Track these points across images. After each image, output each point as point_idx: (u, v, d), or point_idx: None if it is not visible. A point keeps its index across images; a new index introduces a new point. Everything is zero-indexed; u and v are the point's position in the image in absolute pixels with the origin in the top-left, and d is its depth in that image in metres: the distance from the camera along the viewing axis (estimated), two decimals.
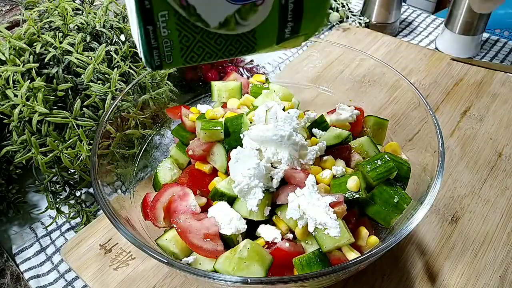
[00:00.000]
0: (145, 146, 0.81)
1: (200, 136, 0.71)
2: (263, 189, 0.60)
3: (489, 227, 0.79)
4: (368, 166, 0.65)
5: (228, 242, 0.62)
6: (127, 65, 0.85)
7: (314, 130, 0.73)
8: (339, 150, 0.69)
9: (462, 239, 0.77)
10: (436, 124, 0.68)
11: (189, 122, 0.78)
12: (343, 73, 0.93)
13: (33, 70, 0.78)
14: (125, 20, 0.95)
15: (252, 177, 0.60)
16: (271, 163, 0.64)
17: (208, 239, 0.60)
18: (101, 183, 0.63)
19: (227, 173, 0.67)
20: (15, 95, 0.77)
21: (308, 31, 0.45)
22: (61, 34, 0.86)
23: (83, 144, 0.77)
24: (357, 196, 0.63)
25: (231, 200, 0.64)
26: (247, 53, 0.44)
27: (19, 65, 0.79)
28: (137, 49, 0.91)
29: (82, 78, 0.81)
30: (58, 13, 0.87)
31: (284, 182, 0.64)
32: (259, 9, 0.41)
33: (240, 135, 0.67)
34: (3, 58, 0.79)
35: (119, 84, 0.81)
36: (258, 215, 0.61)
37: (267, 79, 0.88)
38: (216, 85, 0.85)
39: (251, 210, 0.60)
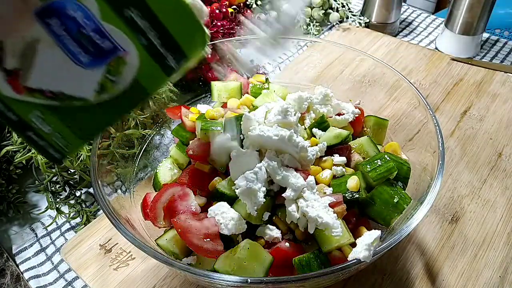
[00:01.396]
0: (145, 146, 0.81)
1: (200, 136, 0.71)
2: (265, 193, 0.60)
3: (489, 227, 0.79)
4: (368, 166, 0.65)
5: (228, 242, 0.62)
6: None
7: (314, 130, 0.73)
8: (339, 150, 0.69)
9: (462, 239, 0.77)
10: (436, 124, 0.68)
11: (189, 122, 0.78)
12: (343, 73, 0.93)
13: None
14: None
15: (254, 180, 0.60)
16: (271, 166, 0.63)
17: (208, 239, 0.60)
18: (101, 183, 0.63)
19: (227, 173, 0.67)
20: None
21: (196, 47, 0.42)
22: None
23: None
24: (357, 196, 0.63)
25: (231, 200, 0.64)
26: (143, 100, 0.42)
27: None
28: None
29: None
30: None
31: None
32: (127, 59, 0.38)
33: (241, 135, 0.67)
34: None
35: None
36: (257, 219, 0.61)
37: (267, 79, 0.88)
38: (216, 85, 0.85)
39: (250, 214, 0.60)
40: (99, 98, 0.38)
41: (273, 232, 0.61)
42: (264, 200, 0.60)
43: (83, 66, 0.36)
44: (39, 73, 0.34)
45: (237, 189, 0.60)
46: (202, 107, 0.82)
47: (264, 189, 0.60)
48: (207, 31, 0.41)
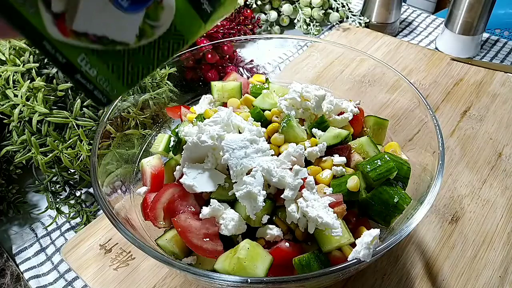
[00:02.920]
0: (145, 146, 0.81)
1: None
2: (265, 197, 0.60)
3: (489, 227, 0.79)
4: (368, 166, 0.65)
5: (228, 242, 0.62)
6: None
7: (314, 130, 0.73)
8: (339, 150, 0.69)
9: (462, 239, 0.77)
10: (436, 124, 0.68)
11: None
12: (343, 73, 0.93)
13: (33, 70, 0.78)
14: None
15: (253, 183, 0.60)
16: (265, 170, 0.63)
17: (208, 239, 0.60)
18: (101, 183, 0.63)
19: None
20: (15, 95, 0.77)
21: None
22: None
23: (83, 144, 0.78)
24: (357, 196, 0.63)
25: (232, 201, 0.64)
26: (181, 47, 0.43)
27: (19, 65, 0.79)
28: None
29: None
30: None
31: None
32: (164, 4, 0.40)
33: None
34: (3, 58, 0.79)
35: None
36: (256, 222, 0.61)
37: (267, 79, 0.88)
38: (216, 85, 0.85)
39: (249, 216, 0.60)
40: (139, 43, 0.40)
41: (274, 231, 0.61)
42: (264, 204, 0.60)
43: (124, 10, 0.38)
44: (84, 16, 0.36)
45: (237, 192, 0.60)
46: (198, 107, 0.82)
47: (264, 192, 0.60)
48: None
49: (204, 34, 1.07)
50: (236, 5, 0.46)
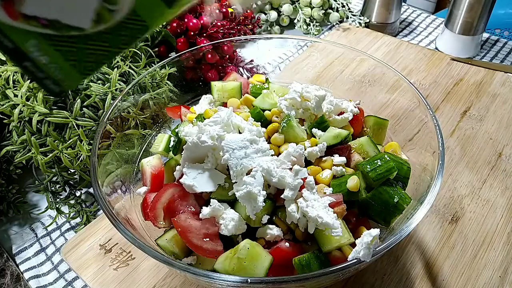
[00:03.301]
0: (145, 146, 0.81)
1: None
2: (265, 197, 0.60)
3: (489, 227, 0.79)
4: (368, 166, 0.65)
5: (228, 242, 0.62)
6: (127, 65, 0.85)
7: (314, 130, 0.73)
8: (339, 150, 0.69)
9: (462, 239, 0.77)
10: (436, 124, 0.68)
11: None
12: (343, 73, 0.93)
13: None
14: None
15: (253, 183, 0.60)
16: (265, 170, 0.63)
17: (208, 239, 0.60)
18: (101, 183, 0.63)
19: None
20: (15, 95, 0.77)
21: None
22: None
23: (83, 144, 0.78)
24: (357, 196, 0.63)
25: (232, 201, 0.64)
26: (142, 34, 0.40)
27: None
28: (136, 49, 0.91)
29: None
30: None
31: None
32: None
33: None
34: (3, 58, 0.79)
35: (119, 84, 0.81)
36: (256, 222, 0.61)
37: (267, 79, 0.88)
38: (216, 85, 0.85)
39: (249, 216, 0.60)
40: (96, 28, 0.37)
41: (274, 230, 0.61)
42: (264, 204, 0.60)
43: None
44: None
45: (237, 192, 0.60)
46: (197, 107, 0.82)
47: (264, 192, 0.60)
48: None
49: (204, 34, 1.07)
50: None
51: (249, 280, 0.50)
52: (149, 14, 0.39)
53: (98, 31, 0.37)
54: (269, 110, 0.76)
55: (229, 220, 0.60)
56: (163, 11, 0.40)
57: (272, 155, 0.67)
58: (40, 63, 0.36)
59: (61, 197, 0.84)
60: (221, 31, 1.08)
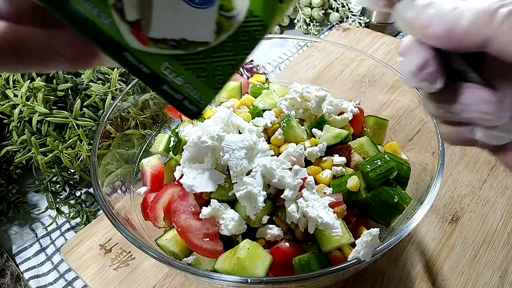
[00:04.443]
0: (145, 146, 0.81)
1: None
2: (265, 197, 0.60)
3: (489, 227, 0.79)
4: (368, 166, 0.65)
5: (228, 242, 0.62)
6: None
7: (314, 130, 0.73)
8: (339, 150, 0.69)
9: (462, 239, 0.77)
10: (436, 124, 0.68)
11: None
12: (343, 73, 0.93)
13: None
14: None
15: (254, 183, 0.60)
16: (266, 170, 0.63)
17: (208, 239, 0.60)
18: (101, 183, 0.63)
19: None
20: (15, 95, 0.77)
21: None
22: None
23: (83, 144, 0.78)
24: (357, 196, 0.63)
25: (232, 201, 0.64)
26: (262, 35, 0.40)
27: None
28: None
29: (82, 78, 0.81)
30: None
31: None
32: None
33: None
34: None
35: (119, 84, 0.81)
36: (255, 223, 0.61)
37: (267, 79, 0.88)
38: None
39: (249, 216, 0.60)
40: (219, 40, 0.38)
41: (274, 230, 0.61)
42: (264, 204, 0.60)
43: (196, 5, 0.36)
44: (159, 21, 0.34)
45: (237, 192, 0.60)
46: None
47: (264, 193, 0.60)
48: None
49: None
50: None
51: (249, 280, 0.50)
52: (265, 13, 0.40)
53: (221, 42, 0.38)
54: (269, 110, 0.76)
55: (229, 220, 0.60)
56: (276, 6, 0.40)
57: (272, 155, 0.67)
58: (176, 85, 0.37)
59: (61, 197, 0.84)
60: None
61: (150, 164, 0.73)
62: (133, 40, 0.34)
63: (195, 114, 0.40)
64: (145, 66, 0.35)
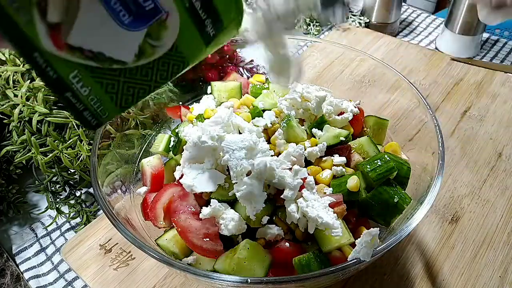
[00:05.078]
0: (145, 146, 0.81)
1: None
2: (265, 198, 0.60)
3: (489, 227, 0.79)
4: (368, 166, 0.65)
5: (228, 242, 0.62)
6: None
7: (314, 130, 0.73)
8: (339, 150, 0.69)
9: (462, 239, 0.77)
10: (436, 124, 0.68)
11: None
12: (343, 73, 0.93)
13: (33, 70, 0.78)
14: None
15: (255, 183, 0.60)
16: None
17: (208, 239, 0.60)
18: (101, 183, 0.63)
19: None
20: (15, 95, 0.77)
21: (232, 16, 0.42)
22: None
23: (83, 144, 0.78)
24: (357, 196, 0.63)
25: (232, 201, 0.64)
26: (180, 70, 0.41)
27: (19, 65, 0.79)
28: None
29: None
30: None
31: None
32: (168, 23, 0.37)
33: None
34: (3, 58, 0.79)
35: None
36: (255, 223, 0.61)
37: (267, 79, 0.88)
38: (216, 85, 0.85)
39: (249, 217, 0.60)
40: (137, 63, 0.38)
41: (274, 229, 0.61)
42: (264, 205, 0.60)
43: (124, 27, 0.35)
44: (81, 30, 0.33)
45: (237, 193, 0.60)
46: (198, 106, 0.82)
47: (264, 193, 0.60)
48: (244, 4, 0.42)
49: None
50: (238, 32, 0.45)
51: (249, 280, 0.50)
52: (189, 52, 0.41)
53: (139, 65, 0.38)
54: (269, 110, 0.76)
55: (229, 220, 0.60)
56: (201, 49, 0.42)
57: (272, 155, 0.67)
58: (80, 95, 0.36)
59: (61, 197, 0.84)
60: None
61: (150, 164, 0.73)
62: (48, 42, 0.33)
63: (93, 126, 0.39)
64: (52, 70, 0.34)
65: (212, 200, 0.62)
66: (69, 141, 0.78)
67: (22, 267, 0.77)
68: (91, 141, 0.79)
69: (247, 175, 0.62)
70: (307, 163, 0.68)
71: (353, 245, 0.56)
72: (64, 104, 0.37)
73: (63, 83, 0.35)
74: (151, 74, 0.39)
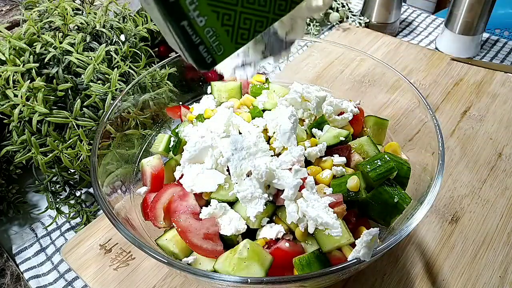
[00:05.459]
0: (145, 146, 0.81)
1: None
2: (266, 200, 0.60)
3: (489, 227, 0.79)
4: (368, 166, 0.65)
5: (228, 242, 0.62)
6: (127, 65, 0.85)
7: (314, 130, 0.73)
8: (339, 150, 0.69)
9: (462, 239, 0.77)
10: (436, 124, 0.68)
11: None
12: (343, 73, 0.93)
13: (33, 70, 0.78)
14: (125, 20, 0.95)
15: (257, 184, 0.60)
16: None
17: (208, 239, 0.60)
18: (101, 183, 0.63)
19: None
20: (15, 95, 0.77)
21: None
22: (61, 34, 0.86)
23: (83, 144, 0.78)
24: (357, 196, 0.63)
25: (232, 201, 0.64)
26: (299, 1, 0.36)
27: (19, 65, 0.79)
28: (136, 49, 0.91)
29: (82, 78, 0.81)
30: (58, 13, 0.87)
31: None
32: None
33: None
34: (3, 58, 0.79)
35: (119, 84, 0.81)
36: (255, 224, 0.61)
37: (267, 79, 0.88)
38: (216, 85, 0.85)
39: (249, 218, 0.60)
40: None
41: (274, 228, 0.61)
42: (265, 207, 0.60)
43: None
44: None
45: (238, 194, 0.60)
46: (198, 106, 0.82)
47: (265, 195, 0.60)
48: None
49: None
50: None
51: (249, 280, 0.50)
52: None
53: None
54: (270, 110, 0.76)
55: (229, 220, 0.60)
56: None
57: (272, 155, 0.67)
58: (197, 26, 0.33)
59: (61, 197, 0.84)
60: None
61: (150, 164, 0.73)
62: None
63: (208, 65, 0.36)
64: None
65: (212, 200, 0.62)
66: (69, 141, 0.78)
67: (22, 267, 0.77)
68: (91, 141, 0.79)
69: (247, 175, 0.62)
70: (307, 163, 0.68)
71: (353, 245, 0.56)
72: (178, 38, 0.33)
73: (180, 9, 0.32)
74: (269, 4, 0.35)
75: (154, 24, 0.95)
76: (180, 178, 0.67)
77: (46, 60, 0.80)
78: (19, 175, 0.87)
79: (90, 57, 0.80)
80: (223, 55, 0.36)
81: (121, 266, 0.73)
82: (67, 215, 0.82)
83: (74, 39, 0.82)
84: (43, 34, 0.83)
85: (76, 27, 0.88)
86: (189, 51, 0.34)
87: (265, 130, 0.72)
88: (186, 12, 0.32)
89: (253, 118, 0.75)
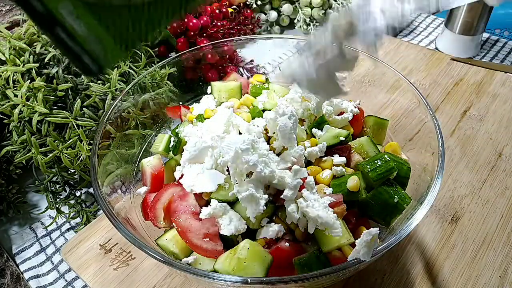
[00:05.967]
0: (145, 146, 0.81)
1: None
2: (267, 200, 0.60)
3: (489, 227, 0.79)
4: (368, 166, 0.65)
5: (228, 242, 0.62)
6: (127, 65, 0.85)
7: (314, 130, 0.73)
8: (339, 150, 0.69)
9: (462, 239, 0.77)
10: (436, 124, 0.68)
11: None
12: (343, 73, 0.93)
13: (33, 70, 0.78)
14: None
15: (258, 184, 0.60)
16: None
17: (208, 239, 0.60)
18: (101, 183, 0.63)
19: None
20: (15, 95, 0.77)
21: None
22: None
23: (83, 144, 0.78)
24: (357, 196, 0.63)
25: (232, 201, 0.64)
26: (188, 5, 0.35)
27: (19, 65, 0.79)
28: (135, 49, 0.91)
29: (82, 78, 0.81)
30: None
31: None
32: None
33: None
34: (3, 58, 0.79)
35: (119, 84, 0.81)
36: (255, 224, 0.61)
37: (267, 79, 0.88)
38: (216, 85, 0.85)
39: (249, 218, 0.60)
40: None
41: (274, 228, 0.61)
42: (265, 208, 0.60)
43: None
44: None
45: (239, 194, 0.60)
46: (198, 106, 0.82)
47: (266, 196, 0.60)
48: None
49: (204, 34, 1.07)
50: None
51: (249, 280, 0.50)
52: None
53: (144, 2, 0.32)
54: (269, 110, 0.76)
55: (229, 220, 0.60)
56: None
57: (272, 156, 0.67)
58: (75, 33, 0.30)
59: (61, 197, 0.84)
60: (221, 31, 1.08)
61: (150, 164, 0.73)
62: None
63: (94, 73, 0.33)
64: (38, 1, 0.28)
65: (212, 200, 0.62)
66: (69, 141, 0.78)
67: (22, 267, 0.77)
68: (91, 141, 0.79)
69: (247, 175, 0.62)
70: (307, 163, 0.68)
71: (353, 245, 0.56)
72: (57, 45, 0.31)
73: (52, 17, 0.29)
74: (160, 8, 0.33)
75: None
76: (180, 178, 0.67)
77: (46, 60, 0.80)
78: (19, 175, 0.87)
79: None
80: (110, 61, 0.34)
81: (121, 266, 0.73)
82: (67, 215, 0.82)
83: None
84: (43, 34, 0.83)
85: None
86: (75, 63, 0.32)
87: (265, 130, 0.72)
88: (60, 19, 0.29)
89: (253, 118, 0.75)
